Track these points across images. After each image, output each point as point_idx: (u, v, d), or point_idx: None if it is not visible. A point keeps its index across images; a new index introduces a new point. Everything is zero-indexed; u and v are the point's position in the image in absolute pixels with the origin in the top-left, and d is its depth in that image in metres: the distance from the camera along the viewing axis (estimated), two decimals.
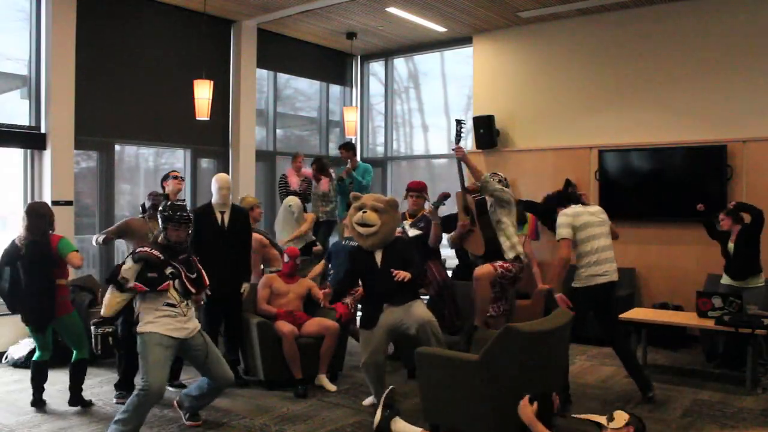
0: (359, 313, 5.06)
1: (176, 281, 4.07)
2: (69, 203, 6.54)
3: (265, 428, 4.41)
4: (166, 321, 4.01)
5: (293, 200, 6.97)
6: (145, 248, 4.07)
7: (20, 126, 6.47)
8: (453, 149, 5.28)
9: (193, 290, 4.15)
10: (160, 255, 4.03)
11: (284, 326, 5.16)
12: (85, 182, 7.11)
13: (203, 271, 4.30)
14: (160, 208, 4.23)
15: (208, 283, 4.32)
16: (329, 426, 4.45)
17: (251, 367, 5.41)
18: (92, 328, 4.00)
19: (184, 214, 4.16)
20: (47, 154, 6.46)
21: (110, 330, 4.01)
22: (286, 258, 5.66)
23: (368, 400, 4.87)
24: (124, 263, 4.04)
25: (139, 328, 4.01)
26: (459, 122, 5.34)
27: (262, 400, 5.01)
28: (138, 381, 4.01)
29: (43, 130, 6.49)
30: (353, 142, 9.04)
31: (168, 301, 4.03)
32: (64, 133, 6.52)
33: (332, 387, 5.24)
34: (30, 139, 6.46)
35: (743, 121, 6.83)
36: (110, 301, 4.02)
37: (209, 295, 5.16)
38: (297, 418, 4.60)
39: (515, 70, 8.36)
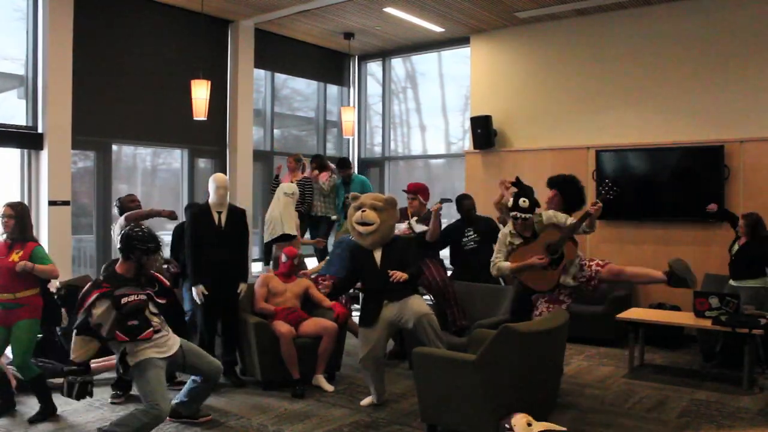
0: (357, 312, 5.07)
1: (150, 304, 3.94)
2: (66, 203, 6.53)
3: (262, 428, 4.40)
4: (154, 343, 3.93)
5: (287, 186, 6.97)
6: (131, 297, 3.80)
7: (17, 126, 6.45)
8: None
9: (164, 301, 4.05)
10: (144, 297, 3.86)
11: (282, 326, 5.16)
12: (82, 182, 7.10)
13: (159, 275, 4.16)
14: (136, 241, 3.91)
15: (168, 284, 4.20)
16: (327, 426, 4.44)
17: (249, 367, 5.40)
18: (69, 377, 3.71)
19: (158, 243, 4.04)
20: (44, 154, 6.45)
21: (89, 379, 3.77)
22: (284, 258, 5.65)
23: (366, 400, 4.87)
24: (93, 306, 3.74)
25: (131, 362, 3.84)
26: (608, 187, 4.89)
27: (260, 400, 5.00)
28: (145, 403, 3.83)
29: (40, 130, 6.48)
30: (348, 158, 9.10)
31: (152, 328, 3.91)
32: (62, 132, 6.51)
33: (330, 387, 5.23)
34: (27, 139, 6.44)
35: (740, 121, 6.84)
36: (81, 346, 3.77)
37: (206, 294, 5.20)
38: (294, 418, 4.60)
39: (513, 71, 8.36)
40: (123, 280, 3.88)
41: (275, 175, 8.11)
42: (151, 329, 3.84)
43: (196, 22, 7.38)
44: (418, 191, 5.94)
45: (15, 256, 4.36)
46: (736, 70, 6.89)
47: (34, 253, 4.42)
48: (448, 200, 5.90)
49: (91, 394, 3.79)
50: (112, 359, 5.41)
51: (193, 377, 4.34)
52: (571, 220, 4.86)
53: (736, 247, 5.85)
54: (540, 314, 4.89)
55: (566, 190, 5.30)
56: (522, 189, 4.98)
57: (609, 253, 7.42)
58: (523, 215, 4.80)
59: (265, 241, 7.00)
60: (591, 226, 4.83)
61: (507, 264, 4.87)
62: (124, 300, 3.77)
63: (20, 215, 4.47)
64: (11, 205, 4.50)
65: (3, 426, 4.39)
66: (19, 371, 4.54)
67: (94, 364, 5.39)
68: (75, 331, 3.80)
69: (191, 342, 4.41)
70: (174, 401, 4.43)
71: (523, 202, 4.80)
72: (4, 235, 4.47)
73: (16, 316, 4.40)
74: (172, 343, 4.07)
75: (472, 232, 6.18)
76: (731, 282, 5.87)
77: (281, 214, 6.70)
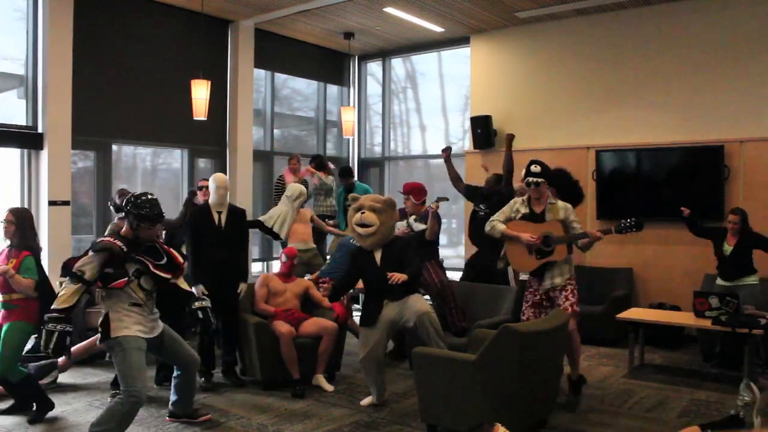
0: (357, 313, 5.07)
1: (142, 278, 3.87)
2: (66, 203, 6.54)
3: (262, 428, 4.40)
4: (137, 320, 3.87)
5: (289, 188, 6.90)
6: (107, 239, 3.80)
7: (17, 126, 6.46)
8: None
9: (168, 275, 3.99)
10: (123, 247, 3.80)
11: (282, 326, 5.16)
12: (82, 182, 7.10)
13: (172, 250, 4.10)
14: (134, 205, 3.89)
15: (182, 261, 4.14)
16: (327, 426, 4.44)
17: (249, 367, 5.40)
18: (49, 324, 3.66)
19: (161, 212, 3.95)
20: (44, 154, 6.45)
21: (69, 329, 3.71)
22: (283, 258, 5.66)
23: (366, 400, 4.87)
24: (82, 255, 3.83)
25: (115, 332, 3.77)
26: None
27: (260, 400, 5.00)
28: (123, 389, 3.76)
29: (40, 130, 6.48)
30: (350, 166, 9.05)
31: (133, 301, 3.86)
32: (62, 132, 6.52)
33: (330, 387, 5.24)
34: (27, 139, 6.45)
35: (740, 121, 6.84)
36: (66, 292, 3.74)
37: (206, 294, 5.19)
38: (294, 417, 4.60)
39: (513, 71, 8.36)
40: (119, 239, 3.88)
41: (280, 175, 8.08)
42: (125, 279, 3.78)
43: (196, 22, 7.38)
44: (411, 192, 5.92)
45: (9, 264, 4.37)
46: (736, 70, 6.89)
47: (22, 262, 4.40)
48: (445, 199, 5.90)
49: (68, 350, 3.76)
50: (93, 342, 5.43)
51: (174, 374, 4.35)
52: (577, 224, 4.88)
53: (726, 246, 5.83)
54: (527, 319, 4.86)
55: (561, 185, 5.31)
56: (533, 160, 5.01)
57: (609, 253, 7.43)
58: (536, 179, 4.80)
59: (258, 218, 6.94)
60: (587, 247, 4.88)
61: (502, 227, 4.86)
62: (101, 239, 3.80)
63: (20, 221, 4.46)
64: (13, 211, 4.52)
65: (3, 426, 4.39)
66: (6, 375, 4.45)
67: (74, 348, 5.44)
68: (67, 278, 3.82)
69: (190, 342, 4.41)
70: (170, 404, 4.48)
71: (535, 167, 4.78)
72: (7, 241, 4.48)
73: (9, 317, 4.41)
74: (156, 325, 4.02)
75: (485, 206, 6.21)
76: (723, 282, 5.86)
77: (281, 212, 6.70)
